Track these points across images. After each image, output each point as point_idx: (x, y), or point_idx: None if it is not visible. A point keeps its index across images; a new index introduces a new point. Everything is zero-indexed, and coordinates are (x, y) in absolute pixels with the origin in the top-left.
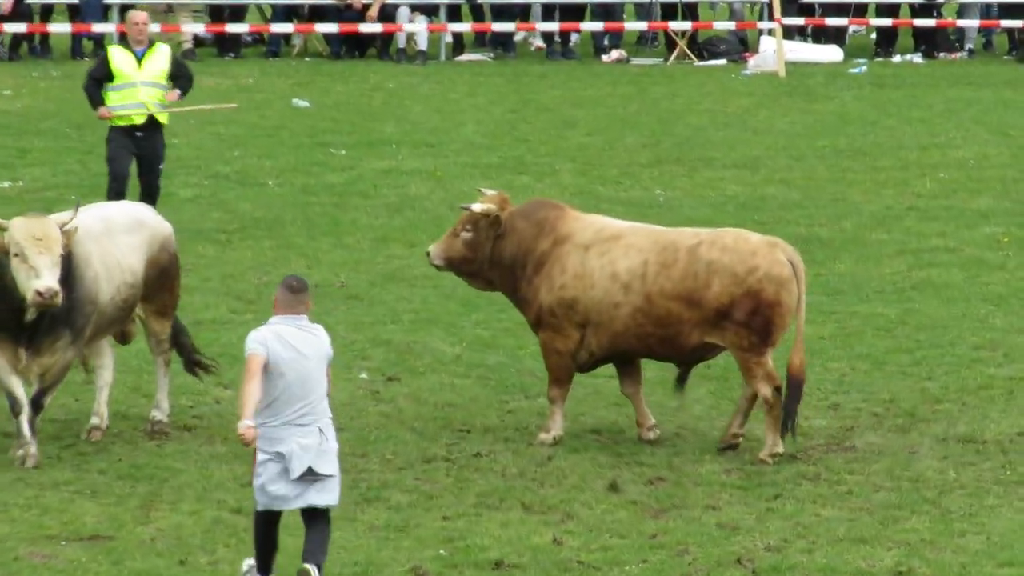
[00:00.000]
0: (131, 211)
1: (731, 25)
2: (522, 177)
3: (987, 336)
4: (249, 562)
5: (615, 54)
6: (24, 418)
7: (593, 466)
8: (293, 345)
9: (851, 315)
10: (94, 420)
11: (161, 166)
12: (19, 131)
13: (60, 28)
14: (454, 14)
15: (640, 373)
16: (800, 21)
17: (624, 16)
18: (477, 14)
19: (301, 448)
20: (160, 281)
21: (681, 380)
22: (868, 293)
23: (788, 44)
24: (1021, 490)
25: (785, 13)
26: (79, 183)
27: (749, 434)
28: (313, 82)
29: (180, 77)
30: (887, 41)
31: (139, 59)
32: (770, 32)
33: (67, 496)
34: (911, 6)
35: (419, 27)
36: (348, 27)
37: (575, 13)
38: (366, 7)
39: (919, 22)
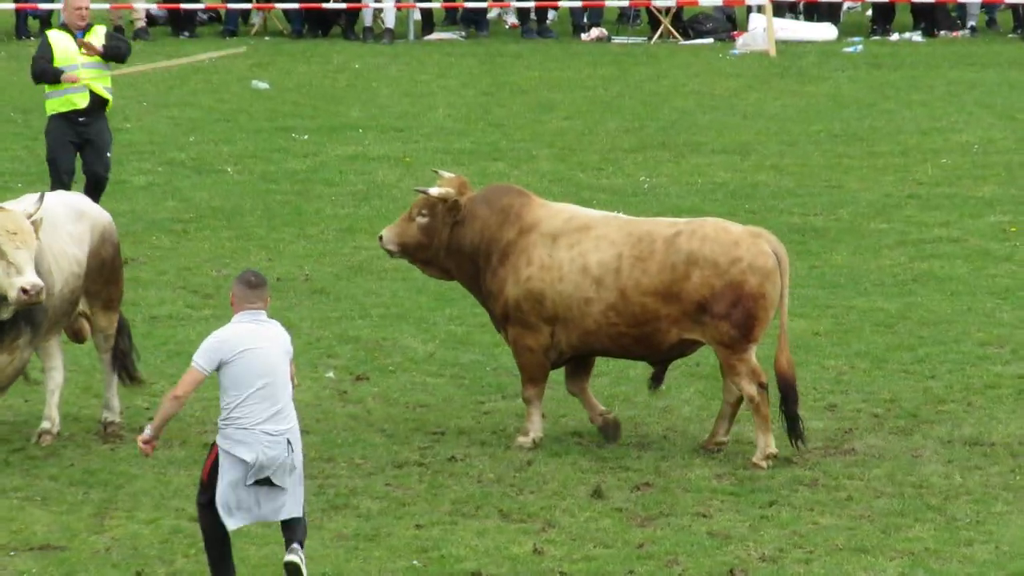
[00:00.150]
0: (70, 201)
1: (718, 1)
2: (497, 164)
3: (994, 332)
4: None
5: (595, 32)
6: None
7: (575, 471)
8: (256, 343)
9: (848, 310)
10: (45, 424)
11: (109, 153)
12: None
13: (3, 6)
14: None
15: (590, 372)
16: None
17: None
18: None
19: (267, 459)
20: (103, 274)
21: (657, 379)
22: (867, 286)
23: (779, 22)
24: None
25: None
26: (25, 170)
27: (742, 436)
28: (273, 63)
29: (115, 44)
30: (884, 18)
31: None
32: (759, 9)
33: (16, 504)
34: None
35: (386, 4)
36: (310, 4)
37: None
38: None
39: None
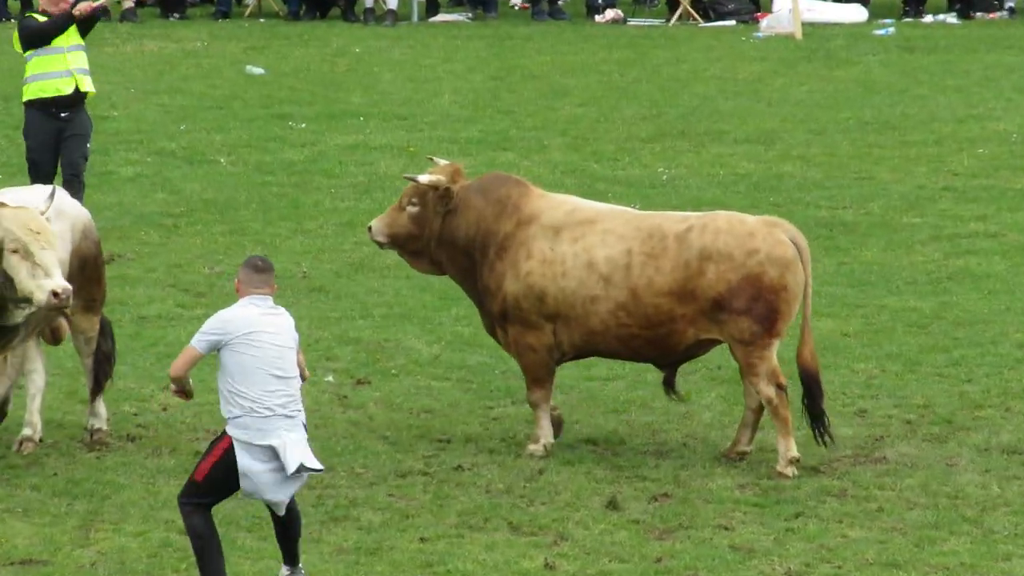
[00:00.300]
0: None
1: None
2: (506, 153)
3: None
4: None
5: (610, 14)
6: None
7: (590, 481)
8: (264, 327)
9: (880, 309)
10: (26, 431)
11: (88, 145)
12: None
13: None
14: None
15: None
16: None
17: None
18: None
19: (291, 442)
20: (85, 273)
21: (669, 384)
22: (899, 284)
23: (805, 2)
24: None
25: None
26: (7, 160)
27: (766, 444)
28: (269, 46)
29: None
30: None
31: None
32: None
33: None
34: None
35: None
36: None
37: None
38: None
39: None
